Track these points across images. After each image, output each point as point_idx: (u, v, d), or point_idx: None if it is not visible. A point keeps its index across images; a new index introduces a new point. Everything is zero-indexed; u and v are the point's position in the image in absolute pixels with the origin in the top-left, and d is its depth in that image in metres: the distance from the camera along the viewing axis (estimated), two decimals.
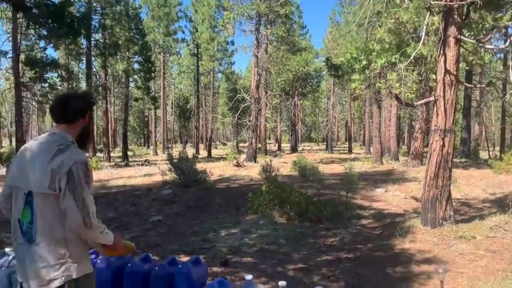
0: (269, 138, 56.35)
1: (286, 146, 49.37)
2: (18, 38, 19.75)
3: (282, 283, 2.44)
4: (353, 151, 38.84)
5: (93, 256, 2.78)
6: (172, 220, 8.54)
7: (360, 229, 7.61)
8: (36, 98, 24.52)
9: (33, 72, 20.61)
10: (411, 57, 7.32)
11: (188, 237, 6.90)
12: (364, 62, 7.44)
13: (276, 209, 8.13)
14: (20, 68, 20.00)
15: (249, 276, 2.53)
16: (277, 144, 46.13)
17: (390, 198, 10.94)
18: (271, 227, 7.21)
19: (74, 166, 1.87)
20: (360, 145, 52.92)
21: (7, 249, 3.16)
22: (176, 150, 21.27)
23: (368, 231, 7.46)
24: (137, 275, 2.74)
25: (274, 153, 34.18)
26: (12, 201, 2.01)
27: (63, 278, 1.90)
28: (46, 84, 22.43)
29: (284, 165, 19.31)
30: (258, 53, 25.74)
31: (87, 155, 2.13)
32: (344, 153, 36.90)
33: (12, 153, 22.00)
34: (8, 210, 2.10)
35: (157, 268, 2.75)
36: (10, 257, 2.98)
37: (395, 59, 7.40)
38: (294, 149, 39.10)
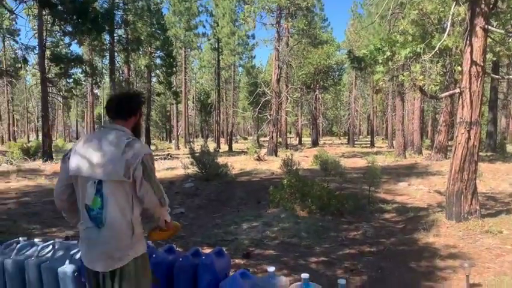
0: (290, 132, 56.22)
1: (307, 140, 49.11)
2: (44, 34, 20.22)
3: (304, 275, 2.44)
4: (375, 145, 38.38)
5: None
6: (195, 213, 8.62)
7: (383, 223, 7.52)
8: (61, 93, 25.10)
9: (58, 68, 21.08)
10: (436, 48, 7.16)
11: (210, 229, 6.96)
12: (388, 53, 7.30)
13: (298, 202, 8.11)
14: (46, 64, 20.49)
15: (271, 268, 2.54)
16: (298, 138, 45.95)
17: (414, 192, 10.77)
18: (292, 220, 7.20)
19: (145, 157, 2.10)
20: (383, 139, 52.22)
21: (36, 240, 3.25)
22: (197, 144, 21.48)
23: (391, 225, 7.37)
24: (162, 265, 2.78)
25: (295, 147, 34.08)
26: (78, 190, 2.16)
27: (129, 256, 2.10)
28: (71, 80, 23.00)
29: (305, 159, 19.24)
30: (278, 46, 25.64)
31: None
32: (366, 147, 36.48)
33: (39, 147, 22.50)
34: (64, 201, 2.27)
35: (181, 259, 2.79)
36: (39, 247, 3.06)
37: (420, 48, 7.24)
38: (315, 143, 38.89)
